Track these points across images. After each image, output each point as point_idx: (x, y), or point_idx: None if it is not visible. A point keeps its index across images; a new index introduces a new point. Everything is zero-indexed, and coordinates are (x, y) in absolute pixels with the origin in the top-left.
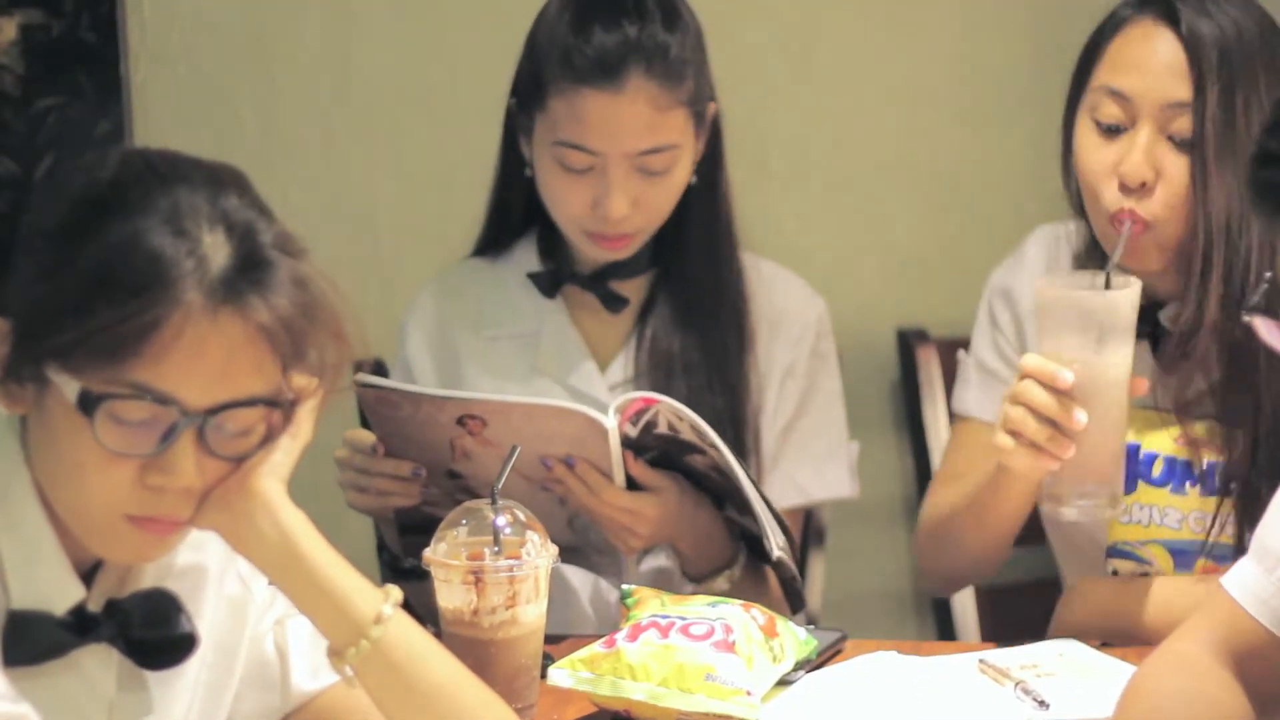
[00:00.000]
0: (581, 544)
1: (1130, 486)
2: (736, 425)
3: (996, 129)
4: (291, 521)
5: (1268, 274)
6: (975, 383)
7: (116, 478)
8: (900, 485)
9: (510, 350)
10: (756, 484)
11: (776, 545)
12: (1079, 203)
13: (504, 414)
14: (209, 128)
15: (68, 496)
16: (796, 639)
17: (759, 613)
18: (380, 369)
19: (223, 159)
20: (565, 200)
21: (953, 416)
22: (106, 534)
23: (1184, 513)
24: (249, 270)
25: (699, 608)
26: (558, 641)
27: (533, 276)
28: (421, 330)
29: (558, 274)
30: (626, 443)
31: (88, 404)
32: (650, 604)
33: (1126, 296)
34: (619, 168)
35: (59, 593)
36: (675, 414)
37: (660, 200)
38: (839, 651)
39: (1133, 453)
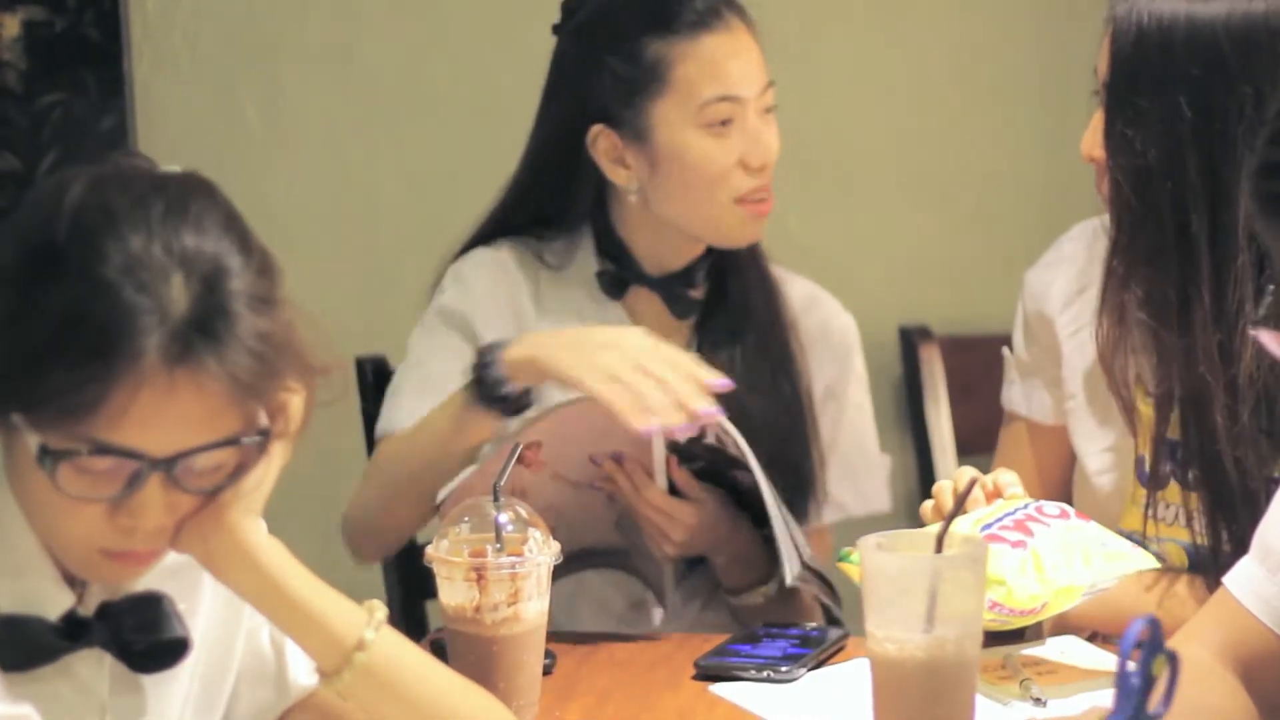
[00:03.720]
0: (629, 546)
1: (1163, 482)
2: (798, 431)
3: (999, 127)
4: (267, 556)
5: (1270, 286)
6: (1018, 381)
7: (86, 518)
8: (904, 482)
9: None
10: (782, 509)
11: (791, 572)
12: None
13: (559, 426)
14: (211, 124)
15: (41, 527)
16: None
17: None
18: (381, 366)
19: (225, 156)
20: (715, 169)
21: (1003, 414)
22: (82, 564)
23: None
24: (207, 323)
25: (999, 512)
26: (561, 639)
27: (600, 275)
28: (488, 285)
29: (624, 276)
30: (674, 448)
31: (47, 460)
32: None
33: (964, 557)
34: (754, 109)
35: (49, 601)
36: (721, 428)
37: (777, 143)
38: (841, 649)
39: (1172, 450)
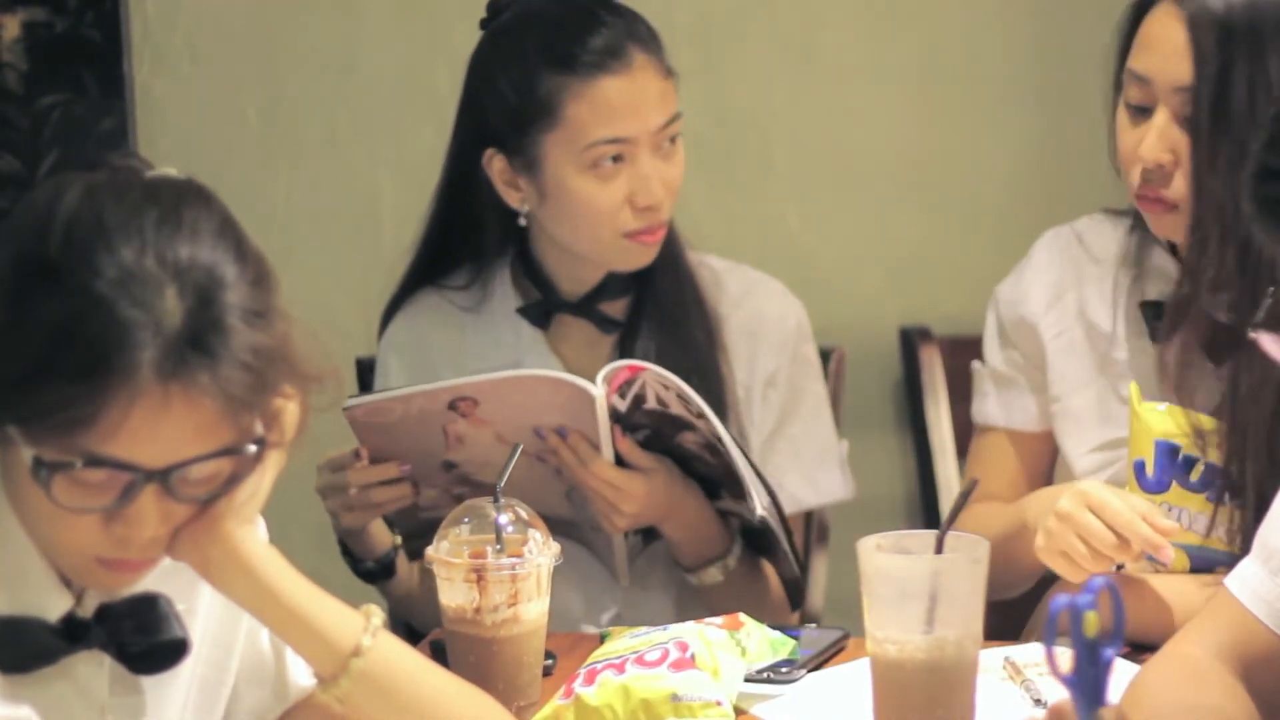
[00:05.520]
0: (579, 519)
1: (1163, 486)
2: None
3: (999, 127)
4: (262, 564)
5: (1271, 289)
6: (993, 393)
7: (81, 527)
8: (903, 484)
9: None
10: (743, 447)
11: (760, 505)
12: None
13: (495, 390)
14: (212, 126)
15: (37, 536)
16: (766, 635)
17: (714, 620)
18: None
19: (225, 157)
20: (601, 207)
21: (974, 428)
22: (78, 571)
23: (1216, 522)
24: (200, 338)
25: (651, 635)
26: (561, 639)
27: (522, 310)
28: (404, 360)
29: (547, 304)
30: (616, 417)
31: (41, 472)
32: (609, 643)
33: (965, 558)
34: (648, 149)
35: (47, 604)
36: (661, 382)
37: (678, 178)
38: (841, 650)
39: (1172, 453)
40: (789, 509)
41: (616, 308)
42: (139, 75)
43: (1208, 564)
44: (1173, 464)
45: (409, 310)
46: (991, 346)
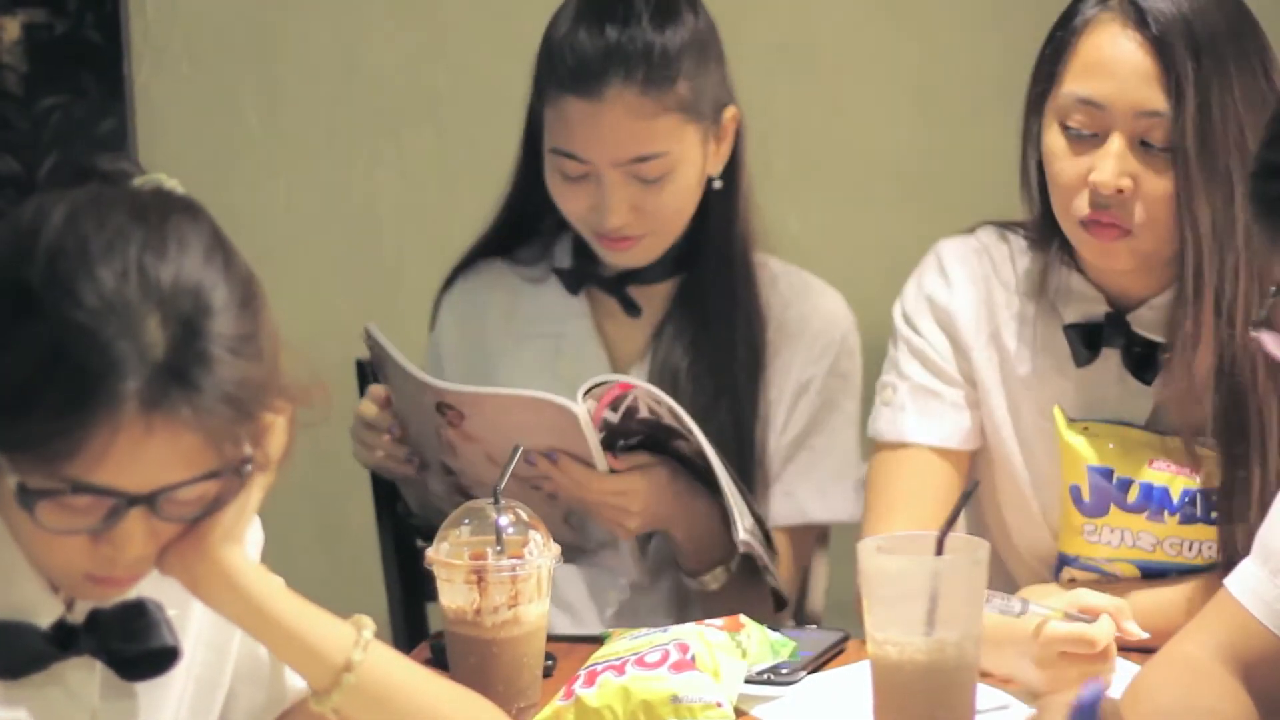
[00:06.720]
0: (582, 541)
1: (1102, 510)
2: (740, 442)
3: (999, 128)
4: (250, 582)
5: (1272, 289)
6: (912, 407)
7: (68, 547)
8: None
9: (535, 350)
10: (729, 470)
11: (743, 527)
12: (1040, 205)
13: (478, 405)
14: (212, 127)
15: (26, 550)
16: (766, 636)
17: (714, 621)
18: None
19: (224, 158)
20: (567, 205)
21: (878, 444)
22: (66, 585)
23: (1159, 538)
24: (184, 370)
25: (651, 636)
26: (561, 641)
27: (559, 272)
28: (456, 320)
29: (582, 273)
30: (608, 428)
31: (25, 499)
32: (609, 644)
33: (965, 559)
34: (610, 175)
35: (39, 609)
36: (653, 399)
37: (663, 207)
38: (841, 651)
39: (1105, 477)
40: (795, 519)
41: (657, 292)
42: (139, 77)
43: (1159, 574)
44: (1108, 487)
45: (470, 276)
46: (907, 358)
